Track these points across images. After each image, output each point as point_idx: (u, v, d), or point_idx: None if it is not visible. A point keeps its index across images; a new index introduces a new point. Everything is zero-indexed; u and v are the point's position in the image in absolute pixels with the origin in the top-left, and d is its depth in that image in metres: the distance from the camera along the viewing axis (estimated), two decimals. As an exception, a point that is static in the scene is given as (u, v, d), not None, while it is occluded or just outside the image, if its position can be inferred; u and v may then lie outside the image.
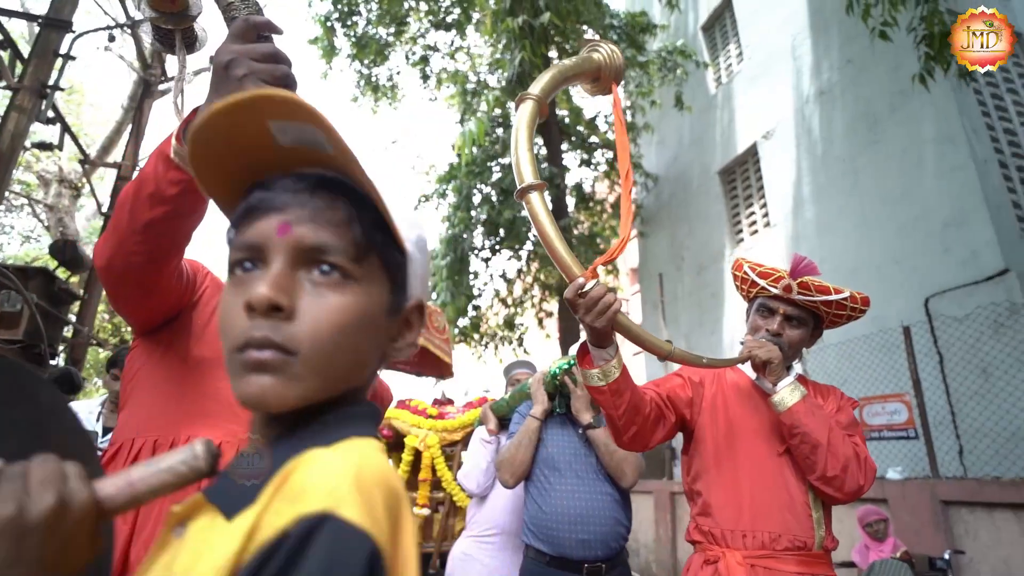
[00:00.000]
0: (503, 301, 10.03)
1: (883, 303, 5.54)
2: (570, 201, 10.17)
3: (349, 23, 8.63)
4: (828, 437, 1.30)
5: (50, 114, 4.31)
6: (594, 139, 10.85)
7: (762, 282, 1.47)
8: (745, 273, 1.53)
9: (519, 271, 9.92)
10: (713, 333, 8.12)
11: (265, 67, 0.74)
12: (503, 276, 9.76)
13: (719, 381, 1.54)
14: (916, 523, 3.94)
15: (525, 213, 6.29)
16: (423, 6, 9.89)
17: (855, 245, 6.13)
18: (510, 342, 9.94)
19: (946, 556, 3.26)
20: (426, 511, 2.79)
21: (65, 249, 4.56)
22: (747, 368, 1.50)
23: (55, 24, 4.30)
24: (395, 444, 3.02)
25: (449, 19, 10.16)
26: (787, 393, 1.36)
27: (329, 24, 8.53)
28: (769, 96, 7.81)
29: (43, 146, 5.14)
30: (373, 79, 10.01)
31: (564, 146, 10.46)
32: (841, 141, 6.53)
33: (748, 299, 1.58)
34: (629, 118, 10.16)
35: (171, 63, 7.26)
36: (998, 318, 4.61)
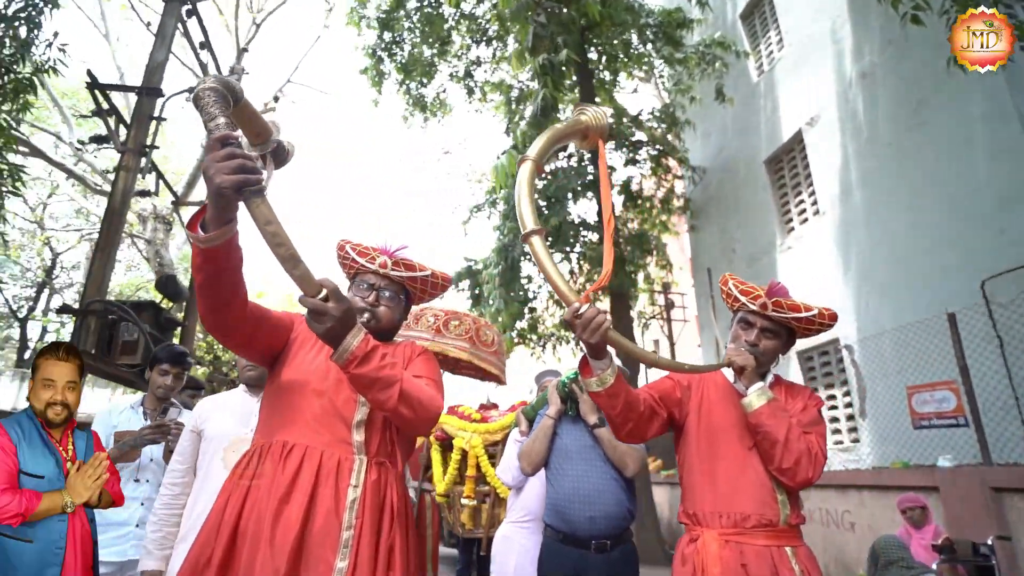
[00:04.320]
0: (557, 303, 10.31)
1: (937, 287, 5.44)
2: (618, 200, 10.32)
3: (394, 51, 9.21)
4: (786, 435, 1.51)
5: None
6: (639, 136, 10.90)
7: (743, 299, 1.70)
8: (729, 289, 1.77)
9: (571, 272, 10.17)
10: (767, 325, 8.06)
11: (225, 164, 1.04)
12: (556, 278, 10.03)
13: (703, 384, 1.76)
14: (967, 510, 3.93)
15: (572, 218, 6.58)
16: (464, 23, 10.36)
17: (905, 229, 6.00)
18: (567, 341, 10.24)
19: (989, 542, 3.28)
20: (473, 502, 3.18)
21: (167, 284, 5.31)
22: (728, 371, 1.74)
23: (150, 92, 5.04)
24: (446, 445, 3.41)
25: (490, 31, 10.58)
26: (755, 397, 1.57)
27: (377, 54, 9.13)
28: (811, 82, 7.68)
29: (144, 194, 5.96)
30: (422, 99, 10.59)
31: (610, 145, 10.61)
32: (886, 124, 6.39)
33: (733, 311, 1.81)
34: (670, 112, 10.21)
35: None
36: (1055, 299, 4.47)
